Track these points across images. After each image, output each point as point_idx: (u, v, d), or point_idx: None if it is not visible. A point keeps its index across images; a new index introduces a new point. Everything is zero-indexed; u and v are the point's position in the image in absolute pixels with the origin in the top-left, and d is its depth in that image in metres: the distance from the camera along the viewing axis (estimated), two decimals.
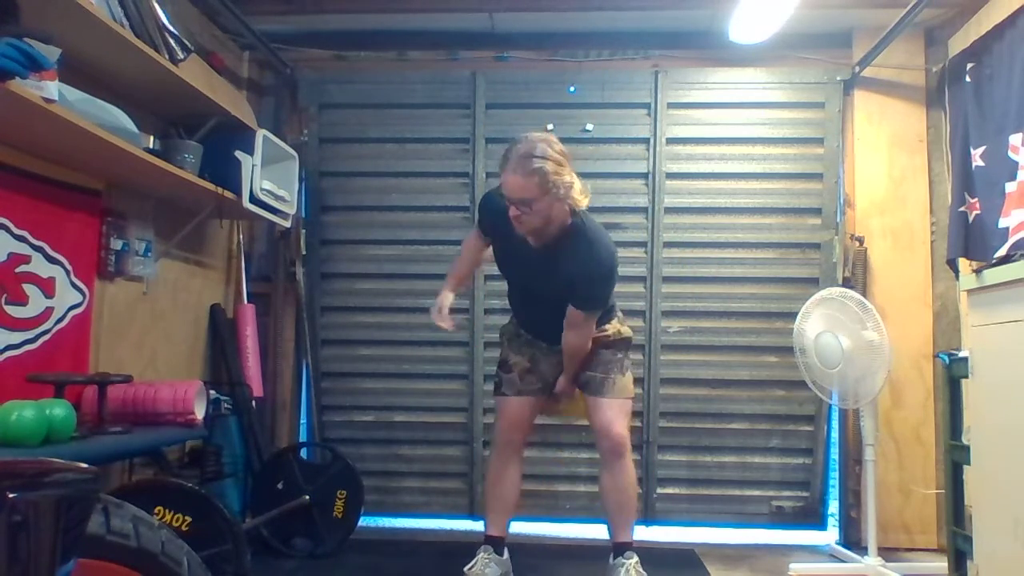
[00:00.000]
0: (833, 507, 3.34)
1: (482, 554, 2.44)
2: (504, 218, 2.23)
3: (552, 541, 3.21)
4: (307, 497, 2.92)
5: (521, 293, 2.52)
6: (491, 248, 2.53)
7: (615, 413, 2.41)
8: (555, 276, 2.26)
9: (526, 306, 2.53)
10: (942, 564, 2.70)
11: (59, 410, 1.86)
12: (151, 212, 2.74)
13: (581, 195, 2.20)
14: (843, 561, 2.93)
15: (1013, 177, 2.58)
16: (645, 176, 3.39)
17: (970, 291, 2.32)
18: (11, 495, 0.80)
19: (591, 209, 2.33)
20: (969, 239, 2.83)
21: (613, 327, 2.49)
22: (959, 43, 3.07)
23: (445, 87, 3.49)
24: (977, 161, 2.82)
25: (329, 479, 2.98)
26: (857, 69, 3.32)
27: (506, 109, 3.43)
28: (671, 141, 3.39)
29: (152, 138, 2.45)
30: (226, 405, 2.96)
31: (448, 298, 2.50)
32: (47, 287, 2.23)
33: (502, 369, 2.54)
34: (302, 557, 2.87)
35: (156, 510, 2.03)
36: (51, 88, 1.82)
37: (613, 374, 2.44)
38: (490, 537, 2.49)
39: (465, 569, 2.42)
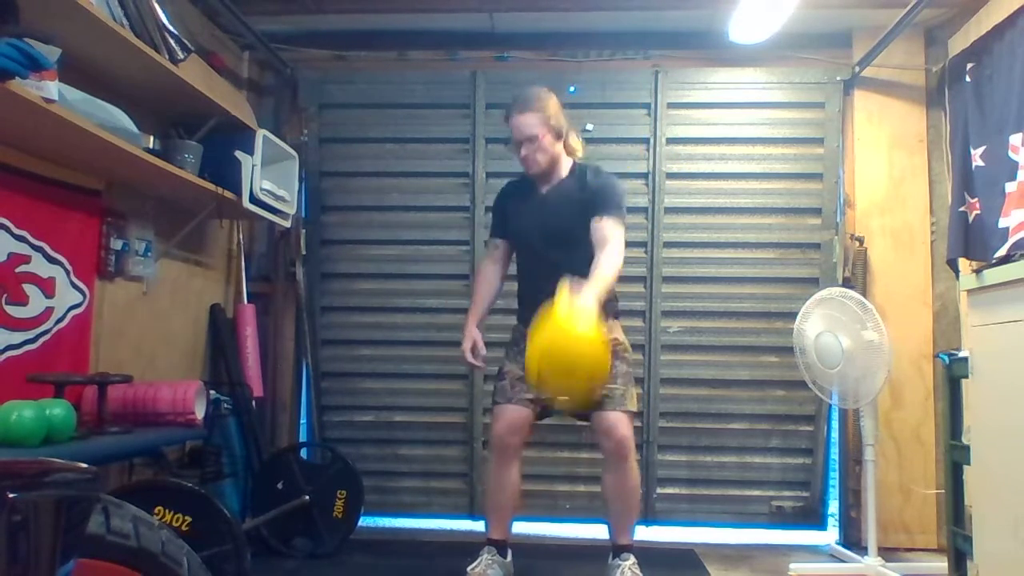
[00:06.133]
0: (833, 507, 3.33)
1: (485, 555, 2.43)
2: (519, 190, 2.56)
3: (552, 541, 3.21)
4: (307, 497, 2.92)
5: (535, 258, 2.50)
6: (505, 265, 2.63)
7: (621, 417, 2.40)
8: (570, 205, 2.43)
9: (539, 268, 2.46)
10: (942, 564, 2.70)
11: (59, 410, 1.86)
12: (151, 212, 2.74)
13: (577, 144, 2.52)
14: (843, 561, 2.93)
15: (1013, 177, 2.58)
16: (645, 176, 3.39)
17: (970, 291, 2.32)
18: (11, 495, 0.80)
19: None
20: (969, 239, 2.83)
21: (621, 336, 2.51)
22: (959, 43, 3.07)
23: (445, 87, 3.49)
24: (977, 161, 2.83)
25: (329, 479, 2.98)
26: (857, 69, 3.32)
27: None
28: (671, 141, 3.39)
29: (152, 138, 2.44)
30: (226, 405, 2.96)
31: (477, 334, 2.55)
32: (47, 287, 2.23)
33: (498, 378, 2.56)
34: (302, 557, 2.86)
35: (156, 510, 2.03)
36: (51, 88, 1.82)
37: (630, 387, 2.45)
38: (492, 540, 2.48)
39: (468, 568, 2.41)
